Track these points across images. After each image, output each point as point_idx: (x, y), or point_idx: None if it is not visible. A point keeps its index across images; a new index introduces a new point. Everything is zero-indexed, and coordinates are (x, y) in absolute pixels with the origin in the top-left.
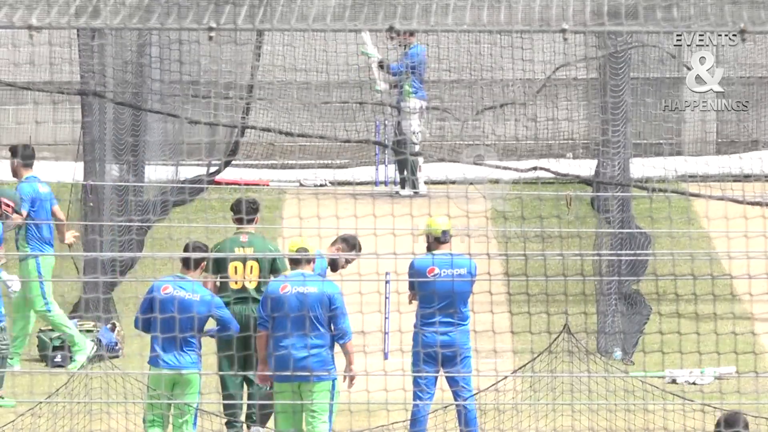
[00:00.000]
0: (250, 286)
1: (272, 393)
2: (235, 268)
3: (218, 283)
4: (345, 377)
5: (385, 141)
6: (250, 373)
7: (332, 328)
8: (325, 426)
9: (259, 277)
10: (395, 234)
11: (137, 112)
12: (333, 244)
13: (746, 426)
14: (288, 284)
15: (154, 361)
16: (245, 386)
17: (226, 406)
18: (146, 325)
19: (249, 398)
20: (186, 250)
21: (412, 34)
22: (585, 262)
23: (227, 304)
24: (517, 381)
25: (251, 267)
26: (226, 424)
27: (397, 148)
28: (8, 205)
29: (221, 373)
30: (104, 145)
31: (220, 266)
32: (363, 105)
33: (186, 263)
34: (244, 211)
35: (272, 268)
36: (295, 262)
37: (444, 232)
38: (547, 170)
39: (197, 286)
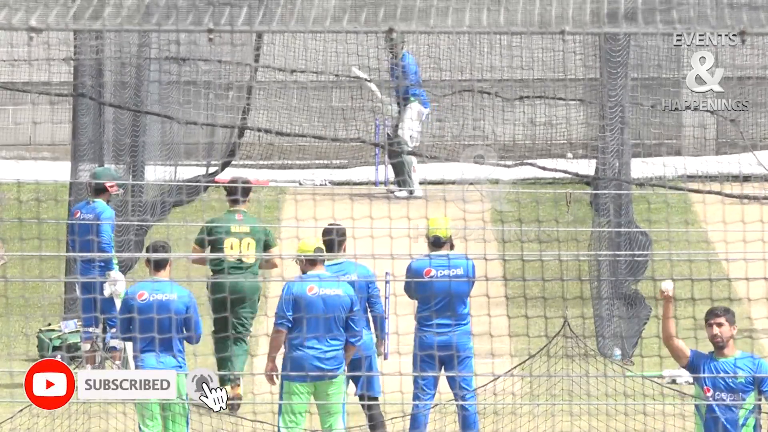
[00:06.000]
0: (247, 260)
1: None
2: (231, 244)
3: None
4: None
5: (384, 141)
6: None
7: (348, 328)
8: (342, 422)
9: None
10: (392, 237)
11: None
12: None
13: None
14: (314, 286)
15: (141, 365)
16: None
17: (220, 365)
18: (128, 334)
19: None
20: (149, 251)
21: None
22: (585, 262)
23: (221, 271)
24: (516, 383)
25: (248, 244)
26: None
27: (390, 148)
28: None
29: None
30: (101, 145)
31: (215, 241)
32: (361, 105)
33: (155, 265)
34: (239, 191)
35: (266, 244)
36: (312, 263)
37: (436, 237)
38: (533, 165)
39: (174, 286)
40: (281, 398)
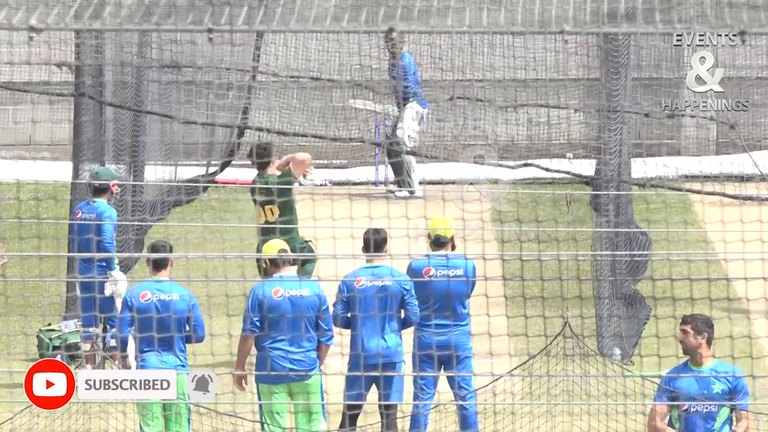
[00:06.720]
0: (272, 220)
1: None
2: (259, 213)
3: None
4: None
5: (383, 141)
6: None
7: (319, 328)
8: (324, 423)
9: (282, 209)
10: (391, 237)
11: (137, 112)
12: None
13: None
14: (280, 288)
15: (143, 365)
16: None
17: None
18: (128, 333)
19: None
20: (150, 251)
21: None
22: (584, 262)
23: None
24: (516, 383)
25: (271, 210)
26: None
27: (389, 148)
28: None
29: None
30: (101, 145)
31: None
32: (361, 105)
33: (155, 265)
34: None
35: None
36: (276, 264)
37: (438, 236)
38: (538, 166)
39: (174, 286)
40: (259, 400)
